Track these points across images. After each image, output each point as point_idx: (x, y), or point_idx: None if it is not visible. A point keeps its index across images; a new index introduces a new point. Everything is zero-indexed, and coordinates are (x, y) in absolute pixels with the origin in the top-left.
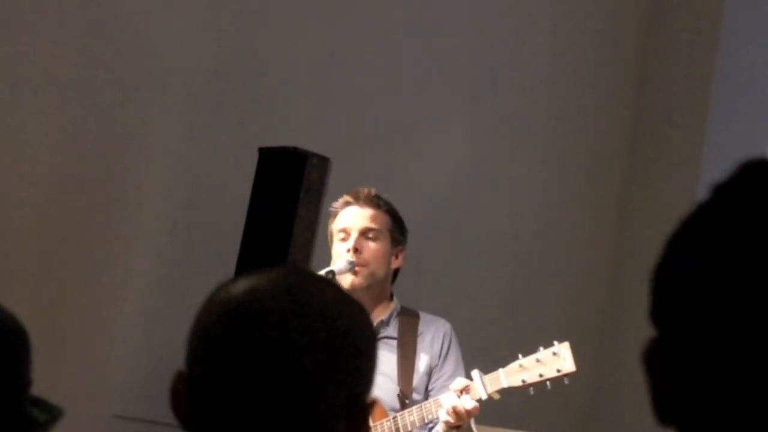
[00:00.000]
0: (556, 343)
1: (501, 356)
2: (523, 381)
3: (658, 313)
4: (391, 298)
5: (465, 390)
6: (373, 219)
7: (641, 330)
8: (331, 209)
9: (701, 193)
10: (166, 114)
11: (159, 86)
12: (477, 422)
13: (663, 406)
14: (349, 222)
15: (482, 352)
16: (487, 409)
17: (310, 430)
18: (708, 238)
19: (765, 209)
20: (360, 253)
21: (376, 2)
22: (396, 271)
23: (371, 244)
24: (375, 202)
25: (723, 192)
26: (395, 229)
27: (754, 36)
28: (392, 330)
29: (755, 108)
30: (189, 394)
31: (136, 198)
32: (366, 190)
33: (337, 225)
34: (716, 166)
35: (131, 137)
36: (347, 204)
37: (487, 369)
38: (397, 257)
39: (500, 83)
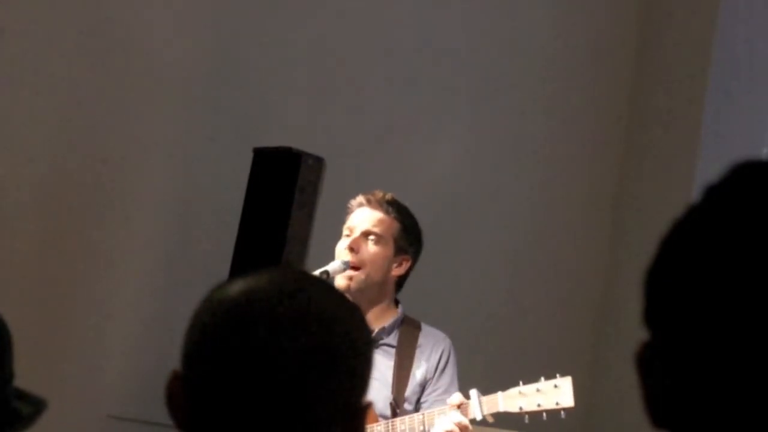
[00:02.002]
0: (558, 375)
1: (493, 361)
2: (521, 408)
3: (651, 316)
4: (396, 305)
5: (461, 407)
6: (378, 223)
7: (636, 332)
8: (348, 206)
9: (696, 194)
10: (160, 114)
11: (154, 86)
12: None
13: (656, 409)
14: (355, 222)
15: (473, 355)
16: (486, 422)
17: None
18: (701, 241)
19: (758, 211)
20: (356, 253)
21: (372, 1)
22: (400, 281)
23: (370, 247)
24: (385, 207)
25: (716, 194)
26: (402, 237)
27: (749, 36)
28: (392, 338)
29: (750, 109)
30: (184, 395)
31: (132, 199)
32: (381, 194)
33: (347, 222)
34: (711, 168)
35: (127, 138)
36: (360, 204)
37: (479, 374)
38: (400, 265)
39: (496, 85)
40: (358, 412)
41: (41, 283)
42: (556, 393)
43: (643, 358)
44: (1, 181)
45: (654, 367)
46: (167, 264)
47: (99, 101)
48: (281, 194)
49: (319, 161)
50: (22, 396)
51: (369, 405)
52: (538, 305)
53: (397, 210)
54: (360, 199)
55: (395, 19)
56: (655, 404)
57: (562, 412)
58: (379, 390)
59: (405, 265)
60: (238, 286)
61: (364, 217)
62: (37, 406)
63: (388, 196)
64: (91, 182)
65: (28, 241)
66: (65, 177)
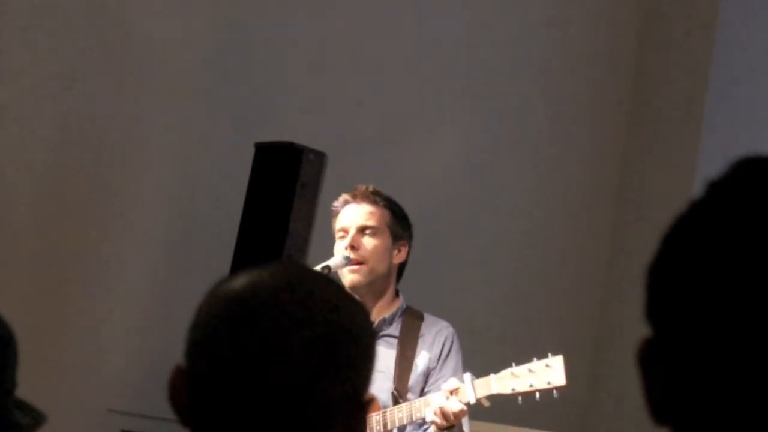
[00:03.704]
0: (550, 355)
1: (493, 354)
2: (513, 389)
3: (652, 312)
4: (397, 295)
5: (455, 392)
6: (370, 215)
7: (638, 328)
8: (332, 209)
9: (697, 191)
10: (162, 109)
11: (155, 81)
12: (471, 418)
13: (657, 406)
14: (347, 220)
15: (474, 350)
16: (481, 405)
17: (307, 427)
18: (703, 236)
19: (760, 207)
20: (357, 250)
21: None
22: (401, 267)
23: (369, 241)
24: (372, 198)
25: (718, 189)
26: (395, 223)
27: (749, 34)
28: (394, 329)
29: (750, 106)
30: (187, 388)
31: (133, 193)
32: (363, 187)
33: (337, 224)
34: (712, 164)
35: (128, 133)
36: (346, 202)
37: (478, 369)
38: (399, 251)
39: (496, 81)
40: (360, 406)
41: (42, 277)
42: (547, 372)
43: (645, 354)
44: (2, 177)
45: (655, 363)
46: (168, 258)
47: (99, 96)
48: (283, 189)
49: (320, 156)
50: (23, 407)
51: (371, 400)
52: (539, 300)
53: (383, 199)
54: (344, 197)
55: (397, 16)
56: (656, 400)
57: (554, 391)
58: (381, 381)
59: (404, 251)
60: (241, 281)
61: (354, 214)
62: (36, 418)
63: (371, 188)
64: (91, 178)
65: (29, 236)
66: (65, 173)
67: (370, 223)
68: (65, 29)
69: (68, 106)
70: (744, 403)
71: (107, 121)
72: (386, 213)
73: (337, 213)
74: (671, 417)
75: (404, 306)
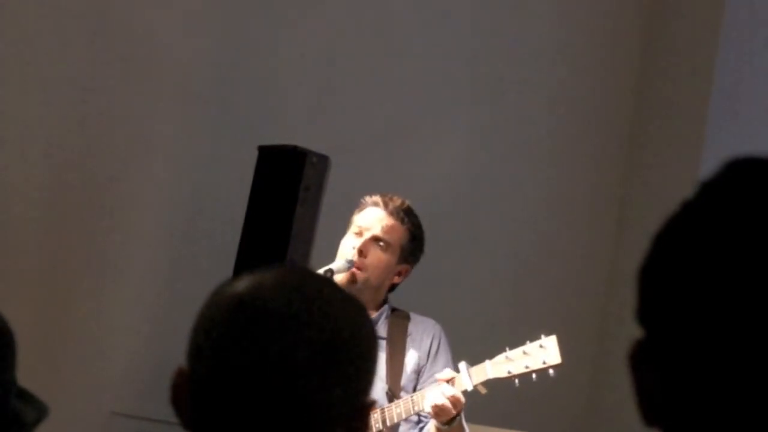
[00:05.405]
0: (543, 336)
1: (496, 353)
2: (509, 372)
3: (644, 313)
4: (385, 301)
5: (451, 381)
6: (389, 230)
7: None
8: (361, 201)
9: None
10: (165, 112)
11: (159, 84)
12: (474, 421)
13: (649, 408)
14: (367, 222)
15: (478, 351)
16: (484, 408)
17: (309, 429)
18: (695, 237)
19: (752, 208)
20: (363, 257)
21: (376, 0)
22: (393, 286)
23: (377, 253)
24: (400, 216)
25: (710, 190)
26: (408, 247)
27: (753, 35)
28: (381, 330)
29: (754, 106)
30: (190, 391)
31: (136, 196)
32: (399, 201)
33: (357, 219)
34: (715, 165)
35: (131, 135)
36: (376, 204)
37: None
38: (399, 274)
39: (500, 83)
40: (362, 408)
41: (45, 279)
42: (542, 353)
43: (636, 355)
44: (6, 178)
45: (647, 364)
46: (172, 261)
47: (102, 100)
48: (286, 192)
49: (324, 159)
50: (26, 398)
51: (373, 403)
52: (542, 301)
53: (411, 221)
54: (377, 199)
55: (400, 18)
56: (648, 402)
57: (551, 371)
58: (374, 383)
59: (403, 275)
60: (244, 283)
61: (377, 221)
62: (39, 411)
63: (405, 204)
64: (94, 181)
65: (31, 237)
66: (69, 176)
67: (386, 237)
68: (69, 32)
69: (71, 110)
70: (735, 405)
71: (110, 124)
72: (406, 234)
73: (362, 208)
74: (662, 419)
75: (390, 308)
